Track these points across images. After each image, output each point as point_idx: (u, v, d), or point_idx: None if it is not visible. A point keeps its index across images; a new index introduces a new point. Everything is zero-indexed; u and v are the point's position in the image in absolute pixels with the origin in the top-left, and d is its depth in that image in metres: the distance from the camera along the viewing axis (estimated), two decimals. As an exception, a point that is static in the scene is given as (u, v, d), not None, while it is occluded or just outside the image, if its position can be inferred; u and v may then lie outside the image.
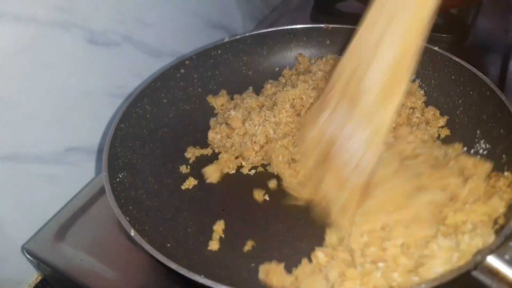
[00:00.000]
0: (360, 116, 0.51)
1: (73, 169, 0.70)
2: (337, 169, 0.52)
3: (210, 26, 0.93)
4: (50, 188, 0.67)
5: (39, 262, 0.60)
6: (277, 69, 0.81)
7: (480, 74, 0.65)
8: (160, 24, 0.79)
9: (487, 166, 0.57)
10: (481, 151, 0.62)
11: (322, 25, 0.80)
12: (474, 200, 0.53)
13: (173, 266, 0.47)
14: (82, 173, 0.72)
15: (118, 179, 0.60)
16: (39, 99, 0.62)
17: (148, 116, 0.70)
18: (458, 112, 0.68)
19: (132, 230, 0.51)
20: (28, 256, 0.61)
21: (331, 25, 0.79)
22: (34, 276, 0.69)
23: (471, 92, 0.66)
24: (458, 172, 0.57)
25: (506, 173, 0.55)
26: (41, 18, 0.59)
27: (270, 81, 0.79)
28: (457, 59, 0.68)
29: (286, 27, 0.81)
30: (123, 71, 0.75)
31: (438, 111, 0.69)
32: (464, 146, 0.63)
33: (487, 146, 0.61)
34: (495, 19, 0.94)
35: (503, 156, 0.57)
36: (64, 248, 0.60)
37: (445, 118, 0.68)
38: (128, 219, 0.53)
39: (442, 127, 0.67)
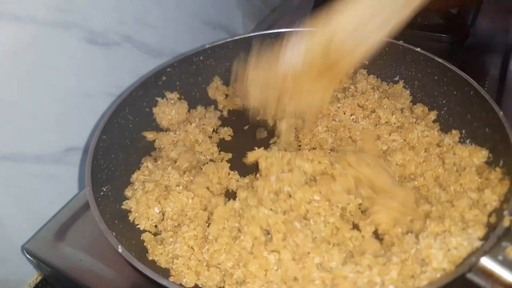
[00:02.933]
0: None
1: (73, 169, 0.70)
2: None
3: (210, 26, 0.93)
4: (50, 188, 0.67)
5: (39, 262, 0.60)
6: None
7: (463, 74, 0.65)
8: (160, 24, 0.79)
9: (483, 153, 0.58)
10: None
11: (302, 29, 0.78)
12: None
13: (165, 282, 0.47)
14: (82, 173, 0.72)
15: (102, 193, 0.59)
16: (39, 99, 0.62)
17: (130, 126, 0.69)
18: (442, 112, 0.68)
19: (119, 246, 0.50)
20: (28, 256, 0.61)
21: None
22: (34, 276, 0.69)
23: (454, 92, 0.67)
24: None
25: (497, 169, 0.55)
26: (41, 18, 0.59)
27: None
28: (440, 60, 0.68)
29: (269, 31, 0.79)
30: (123, 71, 0.75)
31: (427, 107, 0.69)
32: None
33: (473, 145, 0.61)
34: (495, 19, 0.94)
35: (490, 155, 0.58)
36: (64, 248, 0.60)
37: (435, 112, 0.68)
38: (114, 234, 0.52)
39: (434, 121, 0.67)
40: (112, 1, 0.69)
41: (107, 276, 0.57)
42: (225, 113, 0.76)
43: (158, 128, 0.73)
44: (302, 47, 0.53)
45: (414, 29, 0.90)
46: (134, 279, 0.56)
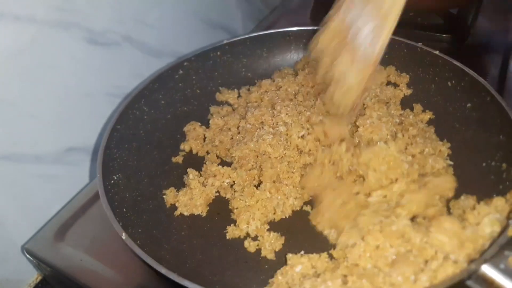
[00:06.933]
0: (372, 7, 0.54)
1: (73, 169, 0.70)
2: (352, 51, 0.56)
3: (210, 26, 0.93)
4: (50, 188, 0.67)
5: (39, 262, 0.60)
6: (277, 71, 0.80)
7: (481, 79, 0.64)
8: (160, 24, 0.79)
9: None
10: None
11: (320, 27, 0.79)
12: None
13: (163, 270, 0.47)
14: (82, 173, 0.72)
15: (112, 181, 0.59)
16: (39, 99, 0.62)
17: (145, 117, 0.69)
18: (457, 116, 0.67)
19: (123, 234, 0.51)
20: (28, 256, 0.61)
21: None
22: (34, 276, 0.69)
23: (471, 97, 0.66)
24: None
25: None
26: (41, 18, 0.59)
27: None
28: (458, 63, 0.67)
29: (286, 29, 0.80)
30: (123, 71, 0.75)
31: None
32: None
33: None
34: (495, 19, 0.94)
35: (503, 164, 0.57)
36: (64, 248, 0.60)
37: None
38: (120, 222, 0.52)
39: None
40: (112, 1, 0.69)
41: (107, 276, 0.56)
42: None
43: (174, 120, 0.72)
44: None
45: (414, 29, 0.91)
46: (135, 279, 0.56)
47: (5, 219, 0.62)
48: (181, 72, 0.75)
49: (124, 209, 0.57)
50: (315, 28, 0.79)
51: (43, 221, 0.66)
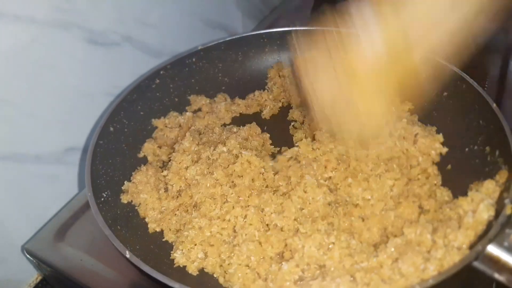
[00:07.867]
0: None
1: (73, 169, 0.70)
2: None
3: (210, 26, 0.93)
4: (50, 188, 0.67)
5: (39, 262, 0.60)
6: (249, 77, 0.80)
7: (455, 68, 0.64)
8: (160, 24, 0.79)
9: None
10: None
11: (295, 28, 0.77)
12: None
13: (176, 285, 0.46)
14: (82, 173, 0.72)
15: (102, 199, 0.58)
16: (39, 99, 0.62)
17: (126, 130, 0.68)
18: (435, 106, 0.67)
19: (127, 252, 0.50)
20: (28, 256, 0.61)
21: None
22: (34, 276, 0.69)
23: (447, 87, 0.66)
24: None
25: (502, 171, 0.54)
26: (41, 18, 0.59)
27: None
28: (432, 56, 0.67)
29: (260, 32, 0.79)
30: (123, 71, 0.75)
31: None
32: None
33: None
34: (495, 19, 0.94)
35: (487, 147, 0.58)
36: (64, 248, 0.60)
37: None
38: (119, 240, 0.51)
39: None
40: (112, 1, 0.69)
41: (107, 276, 0.57)
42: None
43: (154, 130, 0.72)
44: (379, 40, 0.48)
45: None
46: (134, 279, 0.56)
47: (5, 219, 0.62)
48: (157, 81, 0.73)
49: (119, 227, 0.56)
50: (289, 29, 0.78)
51: (43, 221, 0.66)
